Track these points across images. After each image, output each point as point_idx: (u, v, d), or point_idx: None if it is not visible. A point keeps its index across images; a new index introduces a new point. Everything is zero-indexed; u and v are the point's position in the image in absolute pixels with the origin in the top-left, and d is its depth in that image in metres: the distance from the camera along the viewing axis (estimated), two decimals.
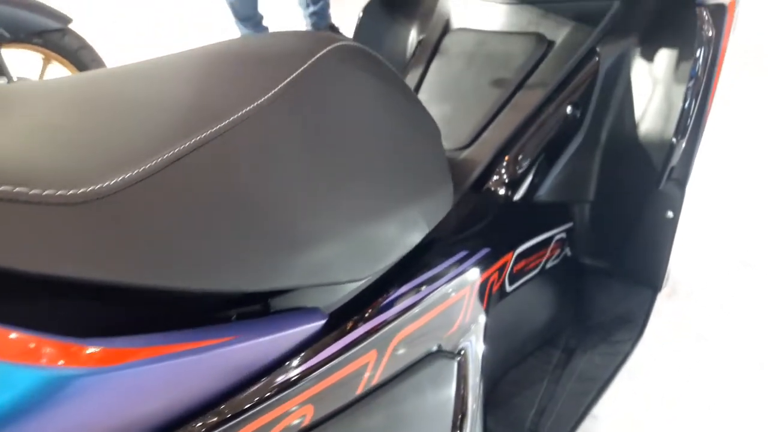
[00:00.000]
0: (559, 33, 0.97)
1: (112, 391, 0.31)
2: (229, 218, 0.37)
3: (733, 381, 1.25)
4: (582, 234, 1.08)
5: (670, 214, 0.97)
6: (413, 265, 0.59)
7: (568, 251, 1.08)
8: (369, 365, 0.48)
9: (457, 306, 0.63)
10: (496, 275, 0.76)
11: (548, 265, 1.01)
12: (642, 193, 0.97)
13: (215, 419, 0.36)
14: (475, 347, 0.68)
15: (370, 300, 0.51)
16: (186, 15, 3.98)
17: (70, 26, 2.00)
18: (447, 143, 0.92)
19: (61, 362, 0.29)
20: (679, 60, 0.90)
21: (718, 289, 1.51)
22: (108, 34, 2.01)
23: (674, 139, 0.89)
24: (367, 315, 0.49)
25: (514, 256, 0.83)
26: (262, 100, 0.46)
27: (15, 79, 1.88)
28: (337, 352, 0.45)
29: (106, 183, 0.33)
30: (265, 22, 3.20)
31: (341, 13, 3.31)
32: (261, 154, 0.42)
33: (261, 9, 3.15)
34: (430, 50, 1.08)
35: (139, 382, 0.32)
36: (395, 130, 0.61)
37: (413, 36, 1.18)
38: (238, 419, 0.37)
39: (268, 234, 0.39)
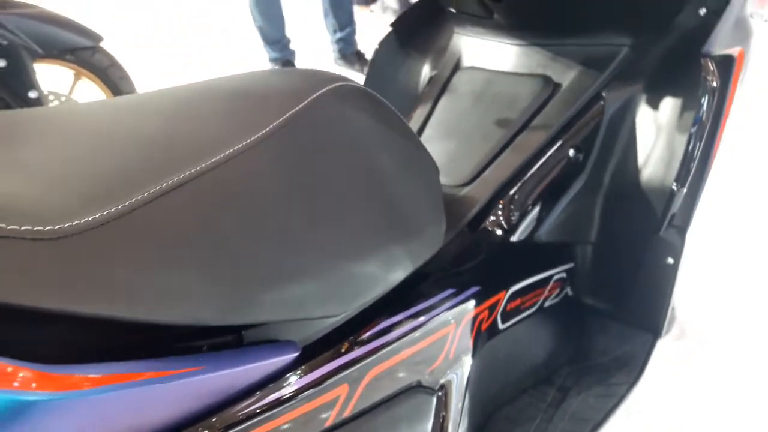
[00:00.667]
0: (566, 76, 0.98)
1: (79, 415, 0.33)
2: (202, 255, 0.39)
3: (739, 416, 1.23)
4: (583, 274, 1.08)
5: (670, 260, 0.97)
6: (396, 301, 0.60)
7: (568, 290, 1.08)
8: (340, 399, 0.49)
9: (440, 343, 0.63)
10: (486, 313, 0.77)
11: (546, 304, 1.01)
12: (642, 237, 0.98)
13: None
14: (459, 383, 0.68)
15: (346, 334, 0.52)
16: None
17: (101, 44, 2.07)
18: (448, 180, 0.93)
19: (32, 386, 0.31)
20: (684, 108, 0.90)
21: (728, 331, 1.49)
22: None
23: (674, 187, 0.89)
24: (341, 350, 0.51)
25: (508, 295, 0.84)
26: (251, 139, 0.48)
27: (46, 93, 1.94)
28: (306, 385, 0.46)
29: (83, 219, 0.35)
30: (292, 46, 3.27)
31: (368, 39, 3.37)
32: (241, 194, 0.44)
33: (289, 34, 3.22)
34: (440, 87, 1.11)
35: (105, 408, 0.34)
36: (388, 170, 0.62)
37: (426, 71, 1.20)
38: None
39: (240, 269, 0.41)
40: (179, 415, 0.38)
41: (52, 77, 2.01)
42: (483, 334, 0.79)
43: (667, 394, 1.33)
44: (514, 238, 0.89)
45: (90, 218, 0.35)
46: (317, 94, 0.58)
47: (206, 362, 0.39)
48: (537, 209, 0.92)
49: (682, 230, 0.94)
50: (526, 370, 1.03)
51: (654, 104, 0.94)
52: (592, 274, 1.07)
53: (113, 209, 0.36)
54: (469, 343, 0.71)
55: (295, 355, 0.46)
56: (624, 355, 1.10)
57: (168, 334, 0.40)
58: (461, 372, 0.69)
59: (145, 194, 0.38)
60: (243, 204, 0.44)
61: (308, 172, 0.51)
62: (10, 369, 0.31)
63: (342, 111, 0.59)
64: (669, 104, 0.92)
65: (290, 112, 0.53)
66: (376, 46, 1.24)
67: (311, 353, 0.49)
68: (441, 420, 0.64)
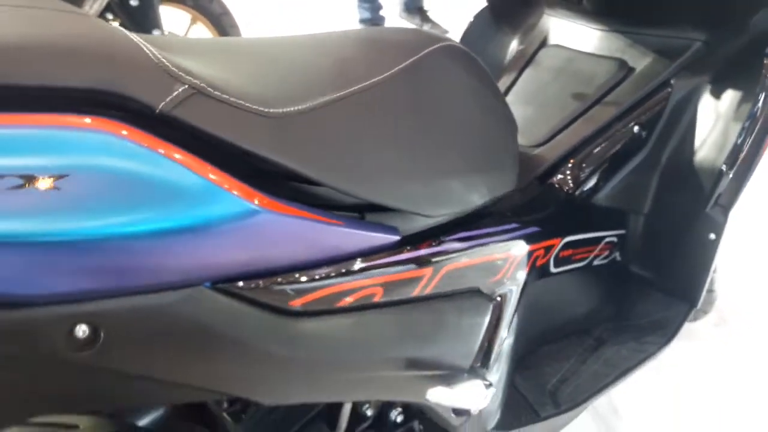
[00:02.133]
0: (640, 62, 1.10)
1: (270, 228, 0.50)
2: (380, 146, 0.58)
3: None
4: (633, 243, 1.20)
5: (712, 236, 1.08)
6: (473, 221, 0.75)
7: (617, 256, 1.21)
8: (425, 278, 0.65)
9: (501, 262, 0.79)
10: (541, 251, 0.91)
11: (595, 263, 1.14)
12: (690, 213, 1.09)
13: (321, 273, 0.55)
14: (512, 299, 0.83)
15: (435, 235, 0.69)
16: None
17: None
18: (524, 140, 1.07)
19: (254, 201, 0.48)
20: (742, 102, 1.01)
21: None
22: None
23: (723, 168, 1.01)
24: (430, 243, 0.67)
25: (562, 243, 0.98)
26: (385, 75, 0.64)
27: (166, 33, 2.16)
28: (404, 259, 0.63)
29: (293, 107, 0.52)
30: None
31: None
32: (389, 111, 0.61)
33: None
34: (525, 60, 1.24)
35: (284, 229, 0.51)
36: (479, 117, 0.78)
37: (514, 45, 1.33)
38: (334, 280, 0.56)
39: (393, 163, 0.60)
40: (325, 252, 0.55)
41: (171, 19, 2.23)
42: (537, 270, 0.93)
43: (698, 358, 1.45)
44: (574, 196, 1.02)
45: (293, 108, 0.52)
46: (429, 49, 0.74)
47: (345, 221, 0.56)
48: (598, 174, 1.05)
49: (725, 209, 1.05)
50: (569, 318, 1.17)
51: (716, 95, 1.05)
52: (640, 243, 1.20)
53: (315, 102, 0.54)
54: (525, 270, 0.86)
55: (398, 237, 0.62)
56: (660, 320, 1.22)
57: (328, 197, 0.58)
58: (515, 290, 0.84)
59: (333, 96, 0.57)
60: (389, 117, 0.62)
61: (423, 107, 0.67)
62: (238, 191, 0.48)
63: (447, 66, 0.75)
64: (729, 96, 1.03)
65: (411, 59, 0.69)
66: (471, 18, 1.38)
67: (409, 241, 0.65)
68: (495, 323, 0.80)
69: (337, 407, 0.75)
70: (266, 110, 0.51)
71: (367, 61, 0.66)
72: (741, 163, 1.01)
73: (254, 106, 0.50)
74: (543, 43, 1.25)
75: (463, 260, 0.71)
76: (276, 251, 0.51)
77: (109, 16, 2.00)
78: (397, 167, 0.62)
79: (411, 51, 0.71)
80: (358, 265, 0.59)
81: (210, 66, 0.53)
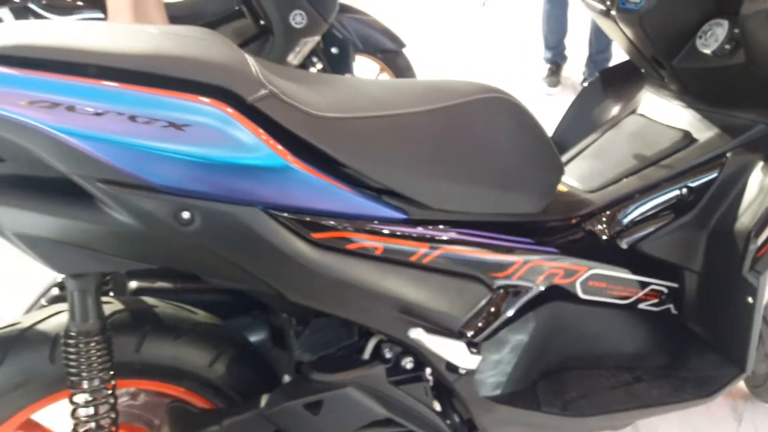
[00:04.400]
0: (703, 134, 1.25)
1: (298, 180, 0.82)
2: (401, 148, 0.90)
3: None
4: (689, 299, 1.31)
5: (750, 299, 1.18)
6: (484, 225, 1.00)
7: (672, 308, 1.33)
8: (420, 251, 0.92)
9: (507, 263, 1.02)
10: (560, 271, 1.11)
11: (642, 306, 1.28)
12: (731, 275, 1.20)
13: (335, 221, 0.86)
14: (521, 297, 1.05)
15: (440, 224, 0.96)
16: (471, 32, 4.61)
17: (404, 50, 2.72)
18: (582, 185, 1.28)
19: (287, 158, 0.80)
20: None
21: None
22: (409, 43, 2.69)
23: (752, 233, 1.12)
24: (432, 228, 0.94)
25: (589, 272, 1.16)
26: (421, 108, 0.94)
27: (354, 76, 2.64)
28: (404, 231, 0.91)
29: (338, 114, 0.84)
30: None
31: None
32: (417, 130, 0.93)
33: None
34: (613, 123, 1.44)
35: (309, 183, 0.83)
36: (507, 152, 1.02)
37: (615, 111, 1.53)
38: (344, 228, 0.87)
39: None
40: (336, 207, 0.86)
41: (362, 67, 2.71)
42: (557, 288, 1.13)
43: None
44: (610, 236, 1.20)
45: (334, 115, 0.84)
46: (477, 96, 1.01)
47: (359, 192, 0.86)
48: (641, 225, 1.22)
49: (759, 273, 1.15)
50: (610, 352, 1.31)
51: (766, 172, 1.17)
52: (696, 300, 1.31)
53: (354, 115, 0.86)
54: (535, 281, 1.07)
55: (405, 216, 0.91)
56: (707, 377, 1.30)
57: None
58: (525, 293, 1.06)
59: (368, 114, 0.88)
60: (417, 133, 0.92)
61: (451, 133, 0.95)
62: (278, 151, 0.81)
63: (488, 111, 1.01)
64: None
65: (454, 101, 0.97)
66: (584, 84, 1.60)
67: (416, 222, 0.93)
68: (495, 309, 1.03)
69: (364, 342, 1.04)
70: (314, 112, 0.83)
71: (414, 97, 0.96)
72: None
73: (306, 108, 0.82)
74: (632, 112, 1.44)
75: (459, 248, 0.96)
76: (303, 197, 0.83)
77: (314, 59, 2.51)
78: (412, 166, 0.90)
79: (457, 95, 1.00)
80: (363, 224, 0.88)
81: (294, 84, 0.87)
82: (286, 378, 1.04)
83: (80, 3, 2.24)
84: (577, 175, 1.33)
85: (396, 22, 2.81)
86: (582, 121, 1.56)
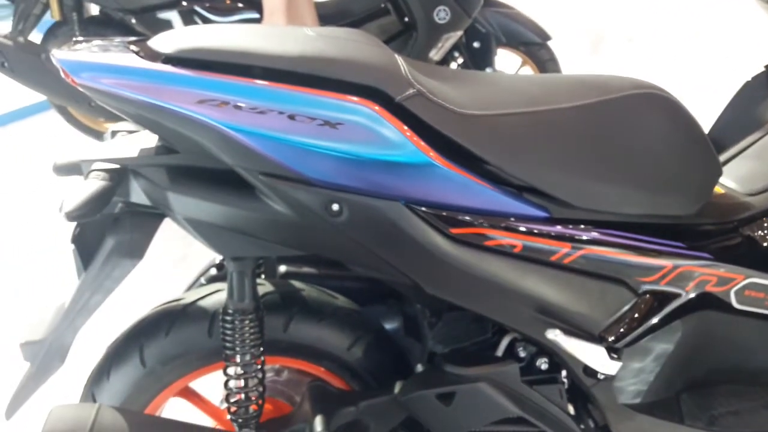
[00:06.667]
0: None
1: (439, 176, 0.83)
2: (545, 145, 0.88)
3: None
4: None
5: None
6: (631, 227, 0.96)
7: None
8: (562, 251, 0.89)
9: (656, 268, 0.97)
10: (713, 278, 1.04)
11: None
12: None
13: (473, 217, 0.87)
14: (669, 304, 1.00)
15: (584, 224, 0.93)
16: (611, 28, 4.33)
17: (548, 43, 2.65)
18: (740, 187, 1.19)
19: (430, 155, 0.82)
20: None
21: None
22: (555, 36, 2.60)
23: None
24: (574, 227, 0.92)
25: (747, 281, 1.08)
26: (568, 105, 0.91)
27: (495, 70, 2.61)
28: (545, 230, 0.90)
29: (477, 111, 0.85)
30: None
31: None
32: (562, 127, 0.90)
33: None
34: None
35: (450, 179, 0.84)
36: (660, 151, 0.97)
37: None
38: (482, 225, 0.87)
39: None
40: (475, 203, 0.87)
41: (504, 60, 2.67)
42: (709, 296, 1.06)
43: None
44: None
45: (479, 112, 0.85)
46: (629, 92, 0.97)
47: (500, 189, 0.86)
48: None
49: None
50: (766, 369, 1.21)
51: None
52: None
53: (497, 112, 0.86)
54: (685, 287, 1.01)
55: (547, 215, 0.90)
56: None
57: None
58: (674, 299, 1.00)
59: (514, 111, 0.88)
60: (562, 130, 0.90)
61: (601, 130, 0.92)
62: (422, 148, 0.83)
63: (640, 107, 0.96)
64: None
65: (604, 97, 0.94)
66: (749, 79, 1.48)
67: (558, 221, 0.91)
68: (640, 314, 0.98)
69: (498, 339, 1.04)
70: (458, 110, 0.84)
71: (561, 92, 0.94)
72: None
73: (451, 106, 0.84)
74: None
75: (603, 249, 0.93)
76: (444, 193, 0.84)
77: (456, 54, 2.52)
78: (557, 163, 0.89)
79: (608, 91, 0.96)
80: (502, 221, 0.88)
81: (441, 83, 0.88)
82: (419, 367, 1.07)
83: (240, 5, 2.41)
84: (737, 177, 1.23)
85: (543, 13, 2.72)
86: (744, 117, 1.44)
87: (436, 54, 2.35)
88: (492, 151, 0.86)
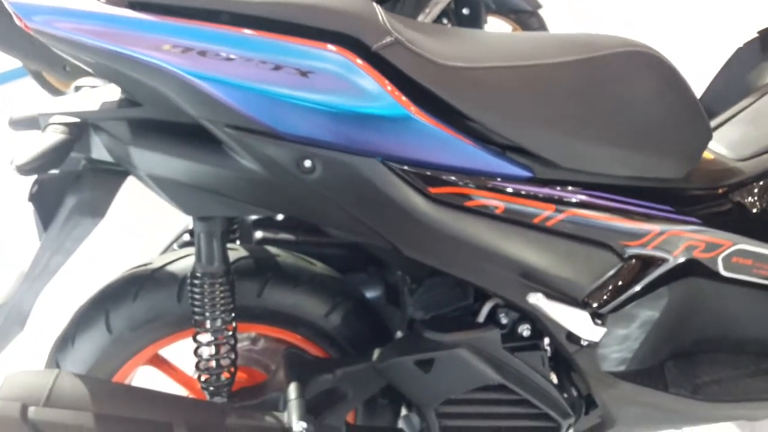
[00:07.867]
0: None
1: (419, 131, 0.79)
2: (528, 101, 0.84)
3: None
4: None
5: None
6: (618, 189, 0.92)
7: None
8: (545, 213, 0.86)
9: (639, 231, 0.94)
10: (701, 244, 1.01)
11: None
12: None
13: (454, 176, 0.82)
14: (655, 269, 0.96)
15: (570, 185, 0.89)
16: None
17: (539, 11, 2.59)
18: (731, 152, 1.15)
19: (411, 109, 0.77)
20: None
21: None
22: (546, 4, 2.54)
23: None
24: (559, 188, 0.88)
25: (734, 248, 1.04)
26: (553, 60, 0.87)
27: None
28: (527, 190, 0.85)
29: (459, 63, 0.80)
30: None
31: None
32: (547, 82, 0.85)
33: None
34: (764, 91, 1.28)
35: (430, 134, 0.79)
36: (646, 111, 0.93)
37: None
38: (463, 184, 0.83)
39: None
40: (457, 161, 0.82)
41: (493, 28, 2.61)
42: (696, 262, 1.03)
43: None
44: (761, 209, 1.07)
45: (461, 64, 0.80)
46: (616, 50, 0.92)
47: (482, 146, 0.82)
48: None
49: None
50: (752, 337, 1.18)
51: None
52: None
53: (472, 64, 0.81)
54: (672, 252, 0.98)
55: (531, 175, 0.86)
56: None
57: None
58: (661, 264, 0.97)
59: (496, 64, 0.83)
60: (547, 86, 0.85)
61: (587, 88, 0.87)
62: (400, 101, 0.78)
63: (627, 66, 0.92)
64: None
65: (590, 54, 0.90)
66: (740, 45, 1.44)
67: (542, 182, 0.87)
68: (625, 279, 0.95)
69: (480, 305, 1.01)
70: (440, 61, 0.79)
71: (548, 48, 0.90)
72: None
73: (432, 57, 0.79)
74: None
75: (588, 212, 0.90)
76: (423, 149, 0.80)
77: (444, 20, 2.46)
78: (542, 121, 0.84)
79: (596, 48, 0.92)
80: (484, 181, 0.84)
81: (421, 34, 0.83)
82: (399, 334, 1.04)
83: None
84: (727, 142, 1.19)
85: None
86: (736, 83, 1.40)
87: (424, 19, 2.28)
88: (474, 106, 0.82)
